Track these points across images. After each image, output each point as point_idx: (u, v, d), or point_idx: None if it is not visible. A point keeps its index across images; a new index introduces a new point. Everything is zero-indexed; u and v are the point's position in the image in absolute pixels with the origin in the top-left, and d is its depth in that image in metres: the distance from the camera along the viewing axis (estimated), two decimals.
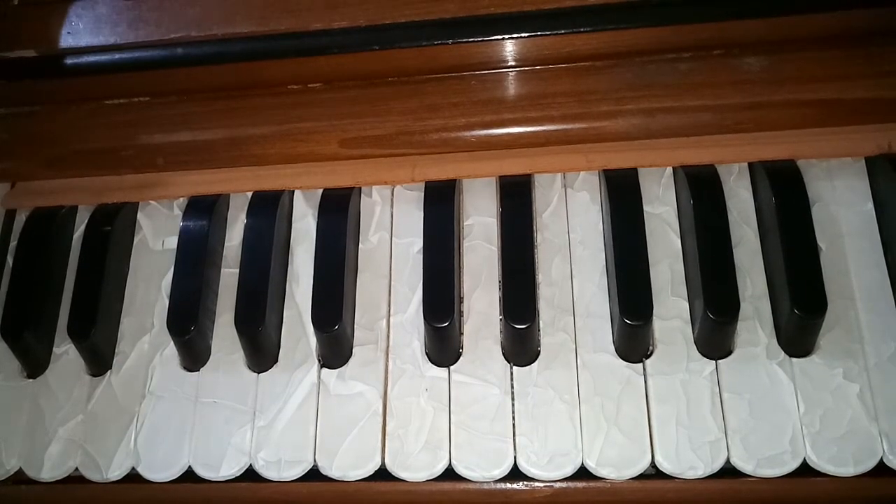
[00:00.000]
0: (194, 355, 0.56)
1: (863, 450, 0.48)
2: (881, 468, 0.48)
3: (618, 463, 0.50)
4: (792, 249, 0.51)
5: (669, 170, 0.57)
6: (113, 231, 0.60)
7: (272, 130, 0.61)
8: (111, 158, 0.63)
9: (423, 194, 0.58)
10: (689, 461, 0.49)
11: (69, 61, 0.61)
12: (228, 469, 0.53)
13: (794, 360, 0.51)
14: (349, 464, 0.52)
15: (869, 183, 0.55)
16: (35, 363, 0.59)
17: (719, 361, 0.51)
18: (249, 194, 0.61)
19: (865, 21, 0.55)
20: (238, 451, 0.53)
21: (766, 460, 0.48)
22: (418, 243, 0.57)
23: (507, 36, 0.56)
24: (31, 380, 0.59)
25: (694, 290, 0.53)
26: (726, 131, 0.56)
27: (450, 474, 0.51)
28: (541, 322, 0.54)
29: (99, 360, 0.58)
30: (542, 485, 0.51)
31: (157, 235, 0.62)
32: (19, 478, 0.56)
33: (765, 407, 0.50)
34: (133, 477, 0.55)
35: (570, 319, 0.54)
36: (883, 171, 0.54)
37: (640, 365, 0.52)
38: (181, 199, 0.62)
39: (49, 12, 0.60)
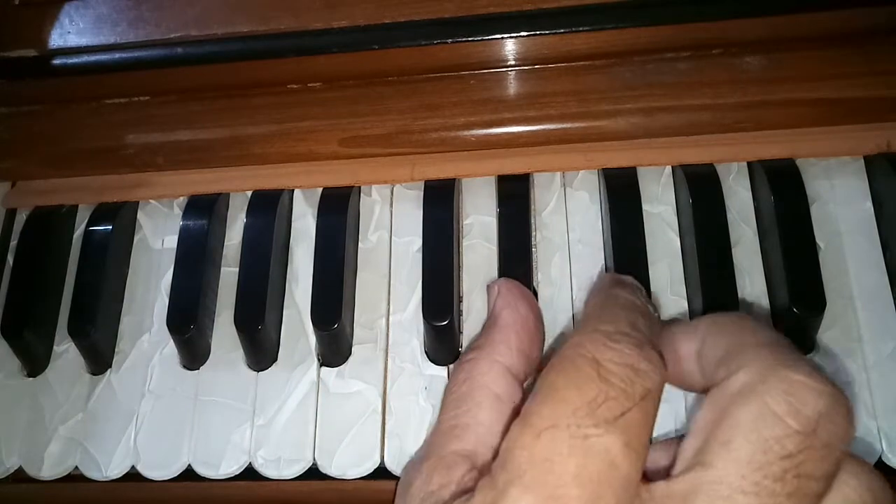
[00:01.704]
0: (194, 354, 0.56)
1: (861, 448, 0.48)
2: (879, 466, 0.48)
3: None
4: (790, 248, 0.51)
5: (668, 169, 0.57)
6: (113, 230, 0.60)
7: (272, 130, 0.61)
8: (111, 157, 0.63)
9: (422, 193, 0.58)
10: None
11: (69, 61, 0.61)
12: (228, 467, 0.53)
13: None
14: (348, 462, 0.52)
15: (868, 182, 0.55)
16: (35, 362, 0.59)
17: None
18: (249, 193, 0.61)
19: (864, 20, 0.55)
20: (237, 449, 0.53)
21: None
22: (418, 242, 0.57)
23: (505, 35, 0.56)
24: (31, 378, 0.59)
25: (693, 289, 0.53)
26: (725, 130, 0.56)
27: None
28: None
29: (99, 359, 0.58)
30: None
31: (157, 234, 0.62)
32: (19, 476, 0.56)
33: None
34: (133, 475, 0.55)
35: (569, 318, 0.54)
36: (882, 170, 0.54)
37: None
38: (181, 198, 0.62)
39: (49, 12, 0.60)
